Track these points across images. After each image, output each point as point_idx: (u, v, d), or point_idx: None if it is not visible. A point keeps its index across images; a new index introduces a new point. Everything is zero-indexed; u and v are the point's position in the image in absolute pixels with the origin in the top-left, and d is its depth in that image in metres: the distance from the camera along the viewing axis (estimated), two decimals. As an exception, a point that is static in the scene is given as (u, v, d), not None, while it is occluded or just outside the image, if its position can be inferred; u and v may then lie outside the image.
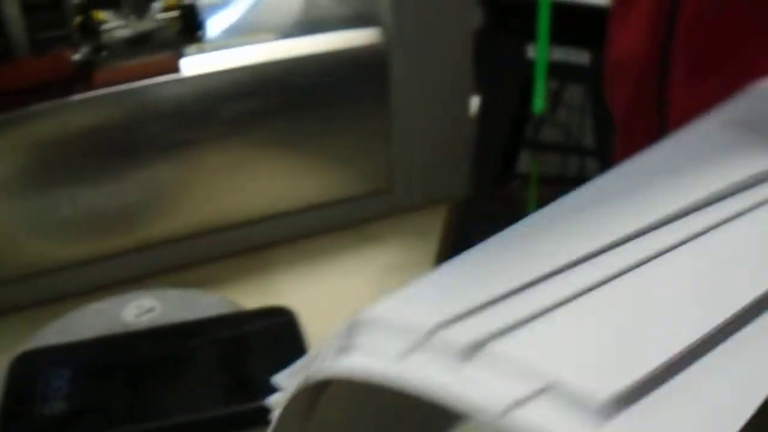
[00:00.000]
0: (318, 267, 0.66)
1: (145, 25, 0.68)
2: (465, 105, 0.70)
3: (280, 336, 0.54)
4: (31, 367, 0.52)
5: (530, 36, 1.46)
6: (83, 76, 0.61)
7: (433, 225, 0.70)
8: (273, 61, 0.62)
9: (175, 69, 0.61)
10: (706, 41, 0.59)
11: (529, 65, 1.58)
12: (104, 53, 0.66)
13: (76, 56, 0.61)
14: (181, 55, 0.63)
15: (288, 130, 0.65)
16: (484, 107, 1.73)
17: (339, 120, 0.66)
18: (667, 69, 0.62)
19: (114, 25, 0.67)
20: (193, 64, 0.62)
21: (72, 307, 0.59)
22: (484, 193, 1.98)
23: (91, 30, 0.67)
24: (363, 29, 0.66)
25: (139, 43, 0.67)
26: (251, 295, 0.62)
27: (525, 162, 1.80)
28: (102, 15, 0.69)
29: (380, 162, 0.68)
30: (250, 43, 0.64)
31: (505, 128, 1.73)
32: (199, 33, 0.68)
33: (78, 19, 0.65)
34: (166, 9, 0.70)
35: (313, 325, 0.56)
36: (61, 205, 0.62)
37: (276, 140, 0.65)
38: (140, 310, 0.58)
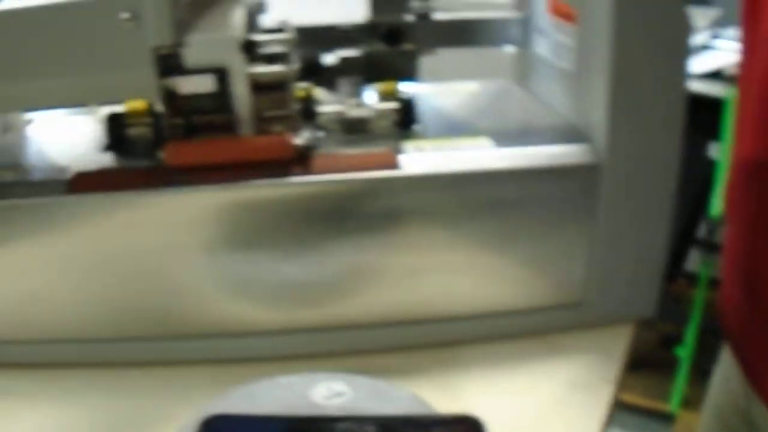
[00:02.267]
0: (501, 372, 0.66)
1: (360, 112, 0.70)
2: (664, 226, 0.69)
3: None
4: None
5: (714, 134, 1.43)
6: (302, 159, 0.64)
7: (618, 343, 0.69)
8: (488, 171, 0.63)
9: (393, 165, 0.64)
10: None
11: (710, 164, 1.54)
12: (321, 135, 0.69)
13: (297, 140, 0.64)
14: (399, 151, 0.65)
15: (488, 235, 0.66)
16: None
17: (539, 231, 0.66)
18: None
19: (330, 109, 0.70)
20: (411, 162, 0.64)
21: (255, 372, 0.61)
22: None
23: (310, 113, 0.70)
24: (576, 145, 0.66)
25: (355, 129, 0.70)
26: (433, 391, 0.63)
27: (695, 261, 1.74)
28: (318, 92, 0.73)
29: (574, 276, 0.68)
30: (468, 147, 0.66)
31: (676, 225, 1.69)
32: (415, 126, 0.71)
33: (299, 103, 0.68)
34: (383, 96, 0.72)
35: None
36: (262, 274, 0.65)
37: (476, 243, 0.66)
38: (330, 392, 0.60)
